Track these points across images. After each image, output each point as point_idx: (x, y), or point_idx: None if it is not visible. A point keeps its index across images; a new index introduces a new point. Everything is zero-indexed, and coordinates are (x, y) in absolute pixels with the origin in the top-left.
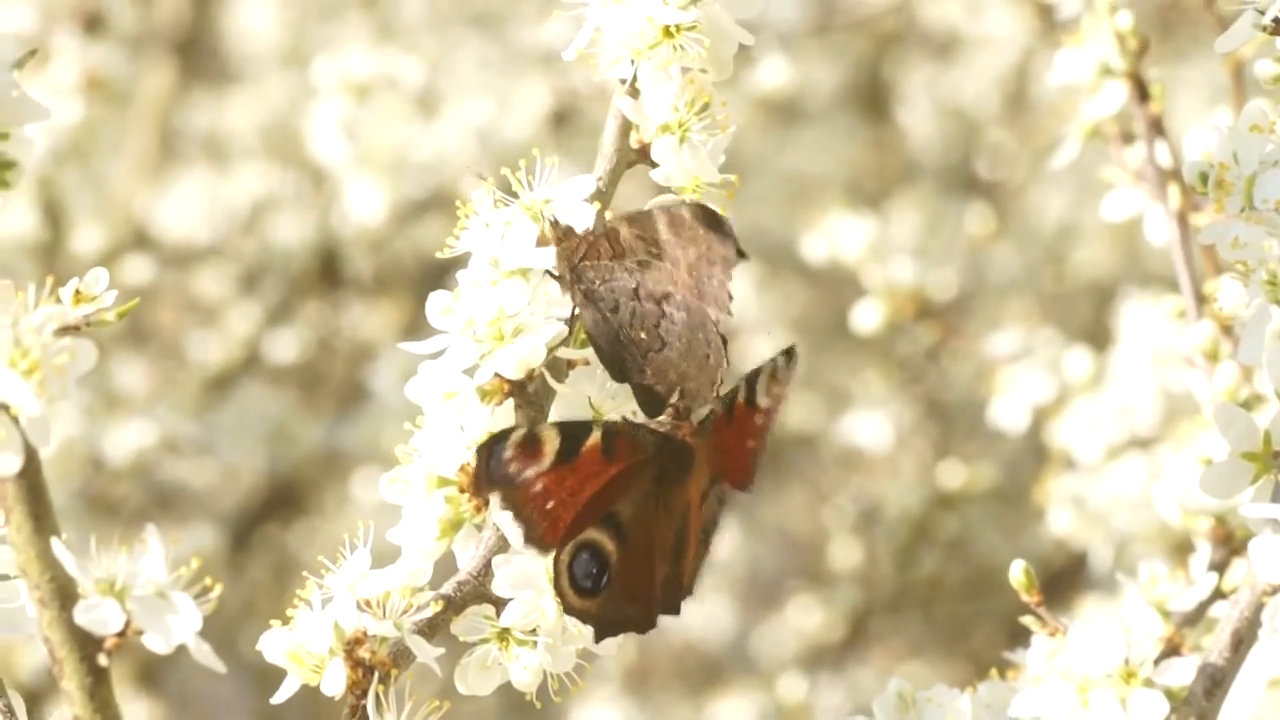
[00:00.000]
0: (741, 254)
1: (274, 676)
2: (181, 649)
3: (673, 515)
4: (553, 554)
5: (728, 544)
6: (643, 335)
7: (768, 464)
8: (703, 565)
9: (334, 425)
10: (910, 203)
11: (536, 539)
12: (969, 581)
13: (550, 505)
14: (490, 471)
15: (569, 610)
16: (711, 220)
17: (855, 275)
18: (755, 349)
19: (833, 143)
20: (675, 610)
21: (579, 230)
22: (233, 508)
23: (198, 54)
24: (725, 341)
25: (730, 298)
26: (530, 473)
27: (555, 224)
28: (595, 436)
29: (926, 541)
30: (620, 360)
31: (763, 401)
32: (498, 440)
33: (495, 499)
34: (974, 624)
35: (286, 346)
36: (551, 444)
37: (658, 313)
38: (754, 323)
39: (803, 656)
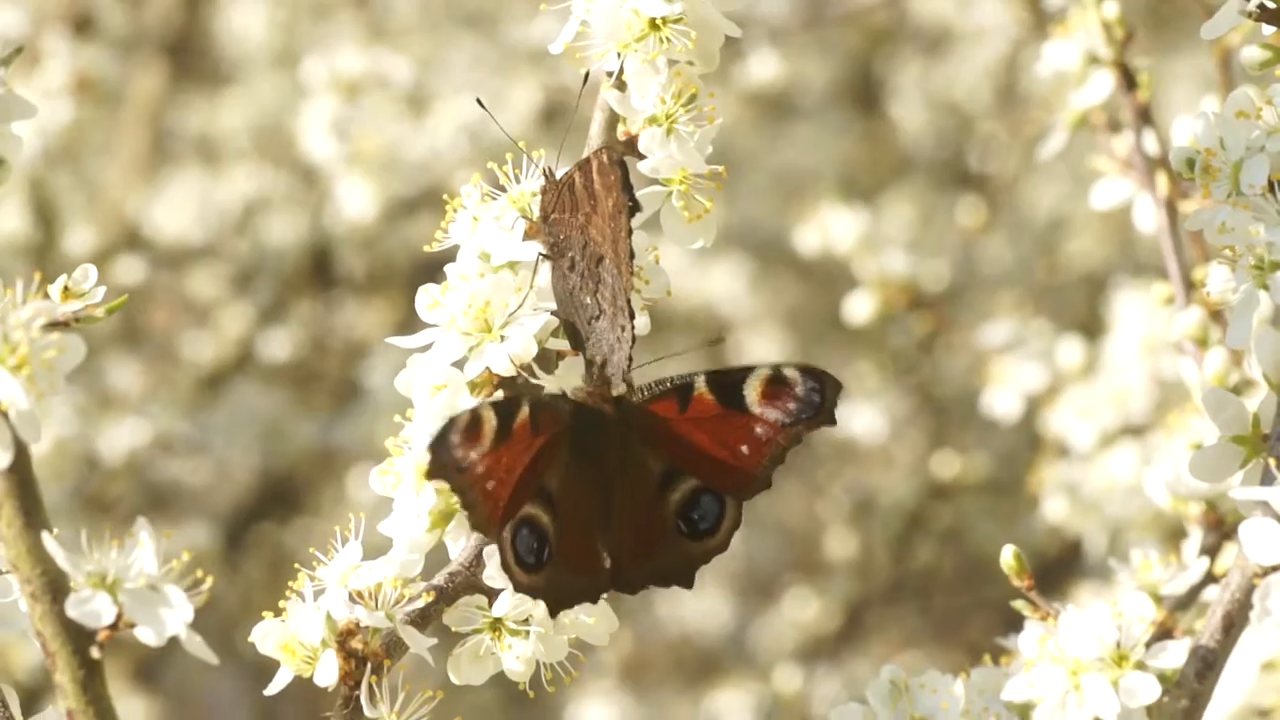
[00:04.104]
0: (634, 202)
1: (271, 673)
2: (174, 642)
3: (594, 484)
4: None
5: None
6: (587, 300)
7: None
8: (657, 549)
9: (329, 423)
10: (903, 197)
11: (481, 521)
12: (964, 571)
13: (491, 485)
14: (440, 459)
15: (517, 587)
16: (619, 166)
17: (847, 269)
18: (751, 347)
19: (825, 138)
20: (628, 587)
21: (557, 178)
22: (228, 506)
23: (189, 55)
24: (633, 316)
25: (632, 255)
26: (474, 455)
27: (547, 174)
28: (524, 412)
29: (921, 532)
30: (572, 325)
31: (758, 410)
32: (447, 428)
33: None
34: (970, 614)
35: (279, 345)
36: (490, 424)
37: (596, 276)
38: (747, 318)
39: (800, 648)
